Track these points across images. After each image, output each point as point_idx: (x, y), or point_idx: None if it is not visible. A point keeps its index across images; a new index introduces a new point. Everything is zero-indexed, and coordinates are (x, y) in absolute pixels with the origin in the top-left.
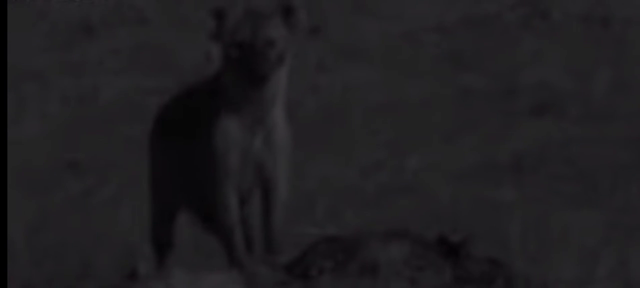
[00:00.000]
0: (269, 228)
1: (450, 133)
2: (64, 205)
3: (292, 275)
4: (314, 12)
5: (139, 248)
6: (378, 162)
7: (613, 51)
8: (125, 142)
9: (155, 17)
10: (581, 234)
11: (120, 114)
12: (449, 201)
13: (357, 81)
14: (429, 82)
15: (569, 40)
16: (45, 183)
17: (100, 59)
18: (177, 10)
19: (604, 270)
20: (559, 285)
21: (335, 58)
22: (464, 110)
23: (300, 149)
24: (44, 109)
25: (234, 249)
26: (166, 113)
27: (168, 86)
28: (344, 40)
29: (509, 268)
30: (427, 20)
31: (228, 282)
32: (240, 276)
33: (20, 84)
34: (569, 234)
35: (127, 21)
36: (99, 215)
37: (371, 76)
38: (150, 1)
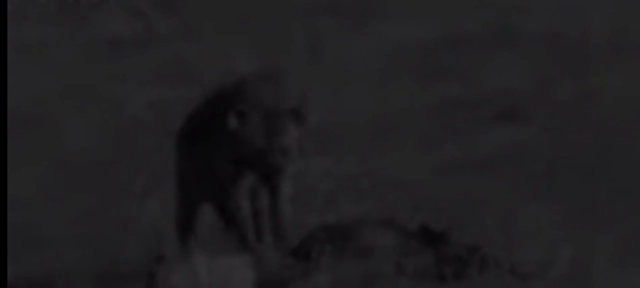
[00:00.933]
0: (276, 218)
1: (432, 136)
2: (100, 199)
3: (296, 257)
4: (307, 29)
5: (165, 236)
6: (369, 161)
7: (573, 64)
8: (151, 145)
9: (178, 34)
10: (545, 225)
11: (147, 120)
12: (430, 195)
13: (349, 91)
14: (413, 91)
15: (535, 54)
16: (85, 180)
17: (129, 72)
18: (198, 28)
19: (565, 256)
20: (526, 268)
21: (331, 71)
22: (443, 116)
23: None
24: (83, 116)
25: (245, 236)
26: (191, 122)
27: (189, 97)
28: (338, 56)
29: (483, 253)
30: (410, 38)
31: (240, 264)
32: (250, 258)
33: (65, 95)
34: (535, 225)
35: (153, 38)
36: (130, 208)
37: (361, 86)
38: (173, 20)
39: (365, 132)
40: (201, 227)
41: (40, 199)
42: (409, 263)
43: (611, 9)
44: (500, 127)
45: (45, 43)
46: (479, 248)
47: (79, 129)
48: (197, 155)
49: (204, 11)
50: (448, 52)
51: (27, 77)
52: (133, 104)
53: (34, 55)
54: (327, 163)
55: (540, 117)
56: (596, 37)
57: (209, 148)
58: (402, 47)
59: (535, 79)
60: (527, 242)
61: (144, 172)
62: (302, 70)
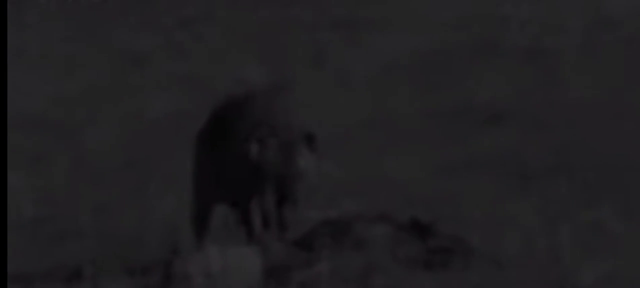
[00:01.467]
0: (282, 213)
1: (422, 140)
2: (120, 196)
3: (300, 248)
4: (310, 42)
5: (179, 229)
6: (366, 162)
7: (547, 76)
8: (167, 148)
9: (193, 50)
10: (520, 218)
11: (163, 126)
12: (420, 192)
13: (349, 99)
14: (406, 100)
15: (514, 66)
16: (106, 179)
17: (149, 81)
18: (212, 42)
19: (539, 245)
20: (505, 257)
21: (332, 80)
22: (433, 122)
23: None
24: (107, 121)
25: (254, 230)
26: (209, 127)
27: (203, 105)
28: (338, 67)
29: (467, 244)
30: (404, 51)
31: (249, 254)
32: (258, 249)
33: (90, 100)
34: (513, 218)
35: (171, 51)
36: (148, 204)
37: (360, 95)
38: (189, 37)
39: (362, 137)
40: (214, 221)
41: (65, 195)
42: (401, 253)
43: (581, 27)
44: (482, 132)
45: (73, 55)
46: (463, 239)
47: (101, 132)
48: (213, 157)
49: (218, 27)
50: (438, 64)
51: (56, 86)
52: (151, 110)
53: (63, 66)
54: (329, 165)
55: (518, 122)
56: (566, 52)
57: (223, 153)
58: (397, 59)
59: (513, 88)
60: (505, 234)
61: (160, 172)
62: (307, 79)
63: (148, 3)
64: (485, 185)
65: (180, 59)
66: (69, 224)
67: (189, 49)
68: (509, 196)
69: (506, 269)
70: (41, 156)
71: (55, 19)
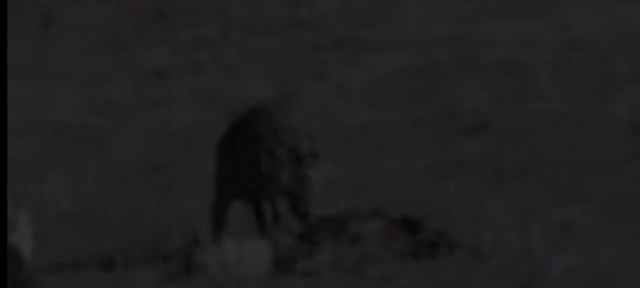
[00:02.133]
0: (291, 211)
1: (411, 145)
2: (145, 196)
3: (303, 241)
4: (314, 60)
5: (198, 225)
6: (361, 165)
7: (522, 89)
8: (187, 155)
9: (209, 66)
10: (497, 215)
11: (184, 135)
12: (410, 191)
13: (346, 108)
14: (397, 109)
15: (493, 80)
16: (135, 180)
17: (169, 95)
18: (224, 61)
19: (513, 240)
20: (484, 250)
21: (332, 93)
22: (420, 129)
23: None
24: (133, 130)
25: (265, 224)
26: (228, 134)
27: (217, 118)
28: (337, 81)
29: (450, 238)
30: (395, 67)
31: (260, 246)
32: (267, 242)
33: (117, 110)
34: (491, 216)
35: (190, 68)
36: (170, 202)
37: (356, 105)
38: (205, 54)
39: (358, 142)
40: (230, 217)
41: (98, 195)
42: (392, 246)
43: (552, 44)
44: (464, 139)
45: (100, 70)
46: (447, 234)
47: (128, 139)
48: (230, 162)
49: (231, 46)
50: (425, 78)
51: (85, 98)
52: (172, 120)
53: (92, 80)
54: (328, 167)
55: (496, 130)
56: (539, 67)
57: (240, 157)
58: (389, 74)
59: (492, 99)
60: (484, 229)
61: (181, 175)
62: (310, 92)
63: (169, 23)
64: (467, 186)
65: (198, 74)
66: (101, 220)
67: (205, 65)
68: (487, 196)
69: (485, 260)
70: (75, 160)
71: (83, 36)
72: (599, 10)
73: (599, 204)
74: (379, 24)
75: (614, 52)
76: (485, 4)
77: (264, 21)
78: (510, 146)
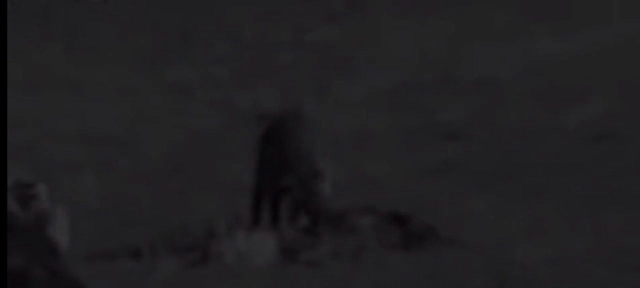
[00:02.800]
0: (305, 211)
1: (400, 150)
2: (172, 194)
3: (306, 234)
4: (317, 76)
5: (215, 219)
6: (357, 166)
7: (493, 102)
8: (206, 157)
9: (226, 79)
10: (478, 211)
11: (202, 141)
12: (399, 191)
13: (344, 118)
14: (388, 119)
15: (471, 94)
16: (160, 180)
17: (190, 106)
18: (239, 75)
19: (493, 233)
20: (465, 242)
21: (332, 104)
22: (409, 136)
23: None
24: (158, 136)
25: (278, 220)
26: (263, 134)
27: (231, 126)
28: (337, 95)
29: (435, 231)
30: (387, 83)
31: (269, 237)
32: (275, 234)
33: (144, 119)
34: (470, 212)
35: (208, 82)
36: (191, 199)
37: (352, 115)
38: (221, 69)
39: (355, 147)
40: (243, 211)
41: (127, 192)
42: (384, 238)
43: (518, 67)
44: (445, 144)
45: (130, 84)
46: (432, 227)
47: (154, 145)
48: (262, 157)
49: (244, 63)
50: (412, 92)
51: (117, 108)
52: (192, 128)
53: (123, 92)
54: (327, 169)
55: (472, 137)
56: (507, 84)
57: (270, 157)
58: (381, 88)
59: (470, 111)
60: (466, 224)
61: (200, 176)
62: (312, 104)
63: (190, 42)
64: (448, 185)
65: (215, 88)
66: (129, 215)
67: (222, 80)
68: (467, 194)
69: (466, 252)
70: (107, 162)
71: (115, 54)
72: (558, 38)
73: (564, 202)
74: (373, 46)
75: (570, 73)
76: (463, 30)
77: (273, 41)
78: (484, 151)
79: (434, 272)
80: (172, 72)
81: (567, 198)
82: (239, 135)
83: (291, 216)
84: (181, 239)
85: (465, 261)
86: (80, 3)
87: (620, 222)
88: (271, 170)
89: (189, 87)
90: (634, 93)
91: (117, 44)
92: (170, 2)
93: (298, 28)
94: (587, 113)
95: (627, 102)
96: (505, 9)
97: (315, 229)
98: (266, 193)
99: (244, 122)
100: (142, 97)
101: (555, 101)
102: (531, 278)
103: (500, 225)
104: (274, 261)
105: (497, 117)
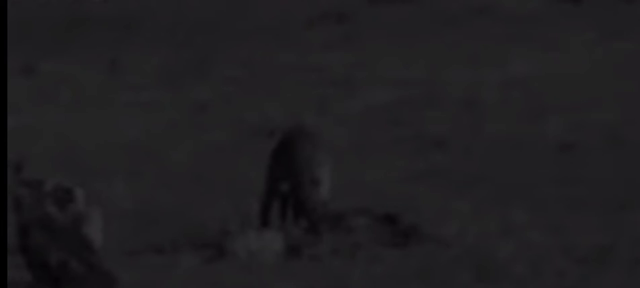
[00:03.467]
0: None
1: (391, 157)
2: (191, 196)
3: (308, 233)
4: (319, 96)
5: (228, 219)
6: (353, 172)
7: (475, 115)
8: (222, 165)
9: (237, 98)
10: (459, 213)
11: (219, 151)
12: (391, 194)
13: (342, 130)
14: (381, 130)
15: (452, 109)
16: (183, 185)
17: (208, 120)
18: (249, 94)
19: (472, 231)
20: (448, 240)
21: (331, 119)
22: (399, 144)
23: None
24: (181, 147)
25: (284, 219)
26: (274, 148)
27: (243, 138)
28: (336, 110)
29: (422, 230)
30: (379, 99)
31: (275, 236)
32: (282, 233)
33: (169, 132)
34: (453, 213)
35: (223, 100)
36: (209, 202)
37: (349, 128)
38: (234, 88)
39: (351, 155)
40: (252, 213)
41: (153, 196)
42: (377, 236)
43: (496, 82)
44: (432, 152)
45: (156, 102)
46: (419, 227)
47: (177, 154)
48: (271, 168)
49: (254, 82)
50: (401, 107)
51: (145, 122)
52: (210, 140)
53: (149, 108)
54: (325, 176)
55: (455, 146)
56: (488, 99)
57: (282, 164)
58: (375, 104)
59: (453, 124)
60: (449, 223)
61: (218, 182)
62: (314, 119)
63: (207, 64)
64: (434, 189)
65: (228, 104)
66: (155, 215)
67: (234, 98)
68: (450, 197)
69: (449, 248)
70: (136, 170)
71: (143, 75)
72: (533, 59)
73: (535, 203)
74: (367, 69)
75: (544, 90)
76: (447, 54)
77: (279, 64)
78: (466, 159)
79: (422, 266)
80: (192, 89)
81: (539, 201)
82: (249, 146)
83: (294, 217)
84: (199, 237)
85: (448, 257)
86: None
87: (586, 222)
88: (278, 179)
89: (206, 105)
90: (595, 108)
91: (146, 66)
92: (191, 27)
93: (302, 53)
94: (557, 126)
95: (588, 116)
96: (478, 36)
97: (316, 228)
98: (274, 198)
99: (253, 135)
100: (166, 113)
101: (527, 115)
102: (508, 272)
103: (479, 224)
104: (280, 257)
105: (477, 128)
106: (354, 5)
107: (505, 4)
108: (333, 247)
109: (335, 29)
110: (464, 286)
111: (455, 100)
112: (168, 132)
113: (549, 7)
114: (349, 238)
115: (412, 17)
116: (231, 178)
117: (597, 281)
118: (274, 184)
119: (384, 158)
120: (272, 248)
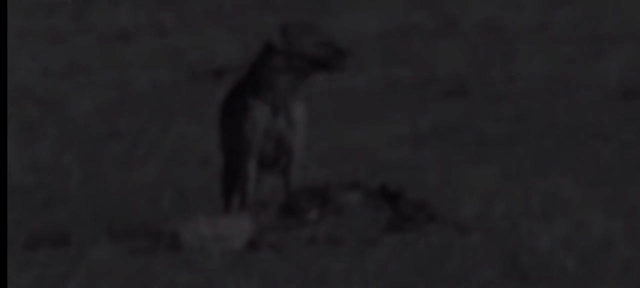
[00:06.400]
0: (288, 185)
1: (386, 112)
2: (107, 163)
3: (284, 213)
4: (289, 16)
5: (163, 195)
6: (334, 133)
7: (503, 50)
8: (150, 118)
9: (174, 26)
10: (480, 184)
11: (146, 98)
12: (387, 161)
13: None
14: (371, 74)
15: (471, 41)
16: (94, 147)
17: (133, 58)
18: (189, 22)
19: (497, 211)
20: (466, 221)
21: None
22: (395, 94)
23: None
24: (92, 93)
25: (246, 198)
26: (224, 101)
27: (181, 79)
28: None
29: (430, 208)
30: (369, 30)
31: (239, 218)
32: (248, 214)
33: (75, 73)
34: (473, 184)
35: (154, 29)
36: (132, 171)
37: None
38: (171, 14)
39: (332, 109)
40: (205, 191)
41: (53, 164)
42: (372, 218)
43: (536, 5)
44: (442, 103)
45: (58, 30)
46: (426, 204)
47: (87, 104)
48: (228, 127)
49: (195, 5)
50: (399, 41)
51: (42, 60)
52: (134, 83)
53: (48, 41)
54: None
55: (476, 94)
56: (521, 29)
57: (234, 124)
58: (364, 37)
59: (471, 62)
60: (465, 200)
61: (144, 141)
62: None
63: None
64: (447, 153)
65: (160, 35)
66: (56, 191)
67: (168, 26)
68: (469, 164)
69: (466, 233)
70: (29, 127)
71: None
72: None
73: (588, 172)
74: None
75: (603, 11)
76: None
77: None
78: (491, 111)
79: (428, 259)
80: (109, 16)
81: (592, 169)
82: (189, 92)
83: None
84: (121, 222)
85: (466, 246)
86: None
87: None
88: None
89: (130, 35)
90: None
91: None
92: None
93: None
94: (621, 62)
95: None
96: None
97: (293, 208)
98: (233, 171)
99: (194, 78)
100: (72, 47)
101: (580, 48)
102: (549, 266)
103: (508, 200)
104: (241, 248)
105: (506, 69)
106: None
107: None
108: (311, 234)
109: None
110: (488, 284)
111: (476, 28)
112: (75, 73)
113: None
114: (334, 221)
115: None
116: (164, 136)
117: None
118: (233, 157)
119: (377, 111)
120: (235, 232)
